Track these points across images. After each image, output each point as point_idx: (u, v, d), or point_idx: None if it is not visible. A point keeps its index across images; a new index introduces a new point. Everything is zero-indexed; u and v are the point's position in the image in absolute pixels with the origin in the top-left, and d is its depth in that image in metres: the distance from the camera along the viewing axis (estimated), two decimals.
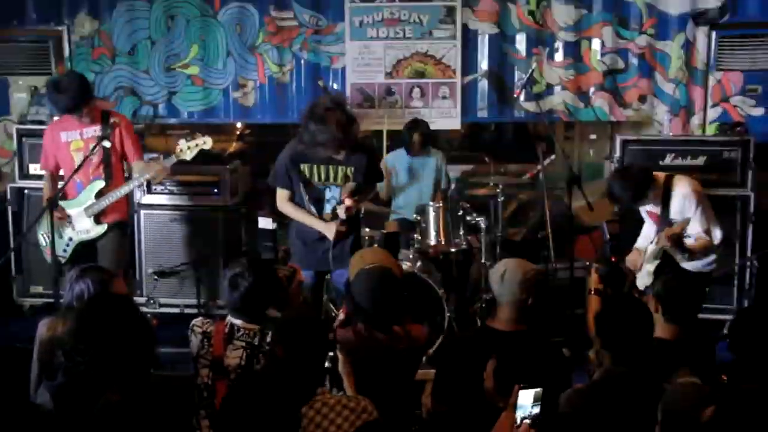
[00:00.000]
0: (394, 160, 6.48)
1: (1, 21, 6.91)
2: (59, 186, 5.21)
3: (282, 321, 3.21)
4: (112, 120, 5.13)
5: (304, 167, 4.71)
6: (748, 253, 5.83)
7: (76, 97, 4.99)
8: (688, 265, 4.86)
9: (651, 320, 3.22)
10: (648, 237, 5.11)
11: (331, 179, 4.71)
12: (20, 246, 6.26)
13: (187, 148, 5.08)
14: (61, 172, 5.37)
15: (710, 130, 6.45)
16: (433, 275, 5.65)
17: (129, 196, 5.49)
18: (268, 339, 3.43)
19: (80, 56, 6.94)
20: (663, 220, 4.86)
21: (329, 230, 4.74)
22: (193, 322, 3.60)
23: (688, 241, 4.76)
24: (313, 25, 6.85)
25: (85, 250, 5.26)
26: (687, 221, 4.69)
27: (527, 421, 2.54)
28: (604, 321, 3.14)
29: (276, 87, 6.96)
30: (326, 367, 3.11)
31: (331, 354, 3.18)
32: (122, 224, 5.35)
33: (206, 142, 5.10)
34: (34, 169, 6.41)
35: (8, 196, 6.44)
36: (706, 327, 3.59)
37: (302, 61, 6.91)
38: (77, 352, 2.53)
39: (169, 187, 6.22)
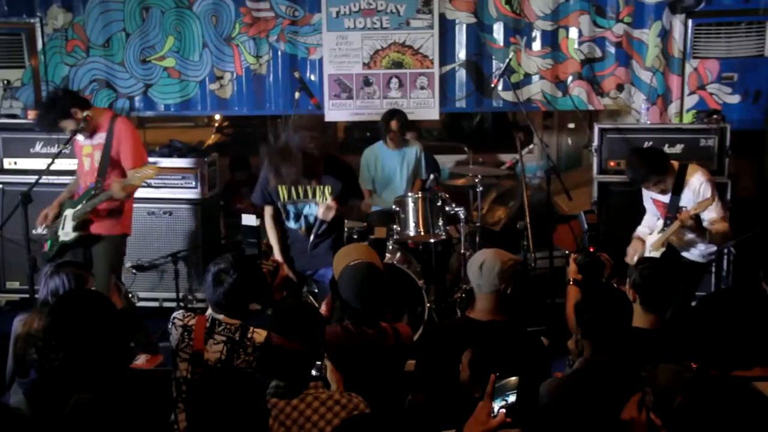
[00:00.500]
0: (373, 153, 6.47)
1: None
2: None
3: (281, 309, 3.19)
4: (85, 113, 5.06)
5: (282, 188, 4.70)
6: None
7: (46, 118, 5.06)
8: (690, 255, 4.92)
9: (631, 309, 3.23)
10: (650, 226, 5.14)
11: (310, 196, 4.71)
12: None
13: (137, 178, 5.01)
14: None
15: (687, 118, 6.47)
16: (413, 266, 5.64)
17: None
18: (249, 335, 3.41)
19: (54, 49, 6.85)
20: (672, 207, 4.91)
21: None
22: (174, 314, 3.57)
23: (705, 225, 4.83)
24: (289, 15, 6.80)
25: (72, 252, 5.16)
26: (708, 201, 4.73)
27: (503, 410, 2.53)
28: (584, 310, 3.14)
29: (253, 78, 6.90)
30: (314, 375, 3.09)
31: (318, 363, 3.17)
32: (109, 240, 5.19)
33: (154, 171, 5.06)
34: (8, 163, 6.37)
35: None
36: (685, 315, 3.60)
37: (279, 52, 6.86)
38: (49, 349, 2.50)
39: (146, 181, 6.12)
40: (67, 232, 5.15)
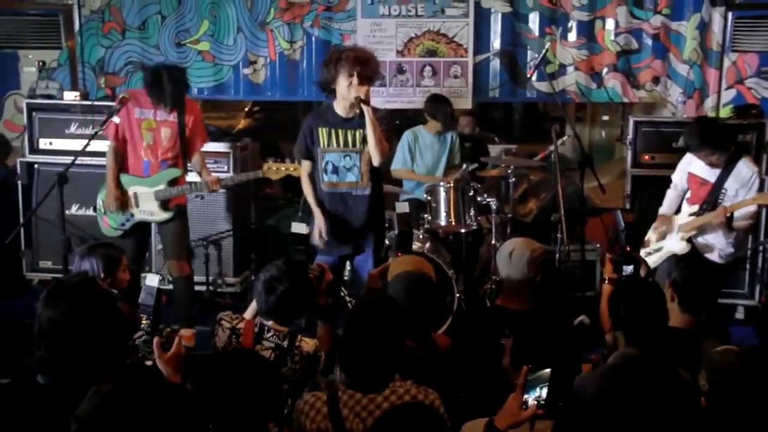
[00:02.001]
0: (414, 135, 6.39)
1: None
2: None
3: (364, 304, 3.15)
4: (121, 95, 5.15)
5: (322, 131, 4.65)
6: (761, 237, 5.80)
7: (176, 94, 5.10)
8: (710, 255, 4.86)
9: (664, 302, 3.20)
10: (673, 207, 5.10)
11: (350, 144, 4.65)
12: (30, 221, 6.26)
13: (276, 170, 5.10)
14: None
15: (724, 112, 6.38)
16: (443, 255, 5.63)
17: None
18: (297, 343, 3.41)
19: (90, 31, 6.89)
20: (715, 188, 4.85)
21: (318, 217, 4.73)
22: (221, 315, 3.56)
23: (736, 223, 4.79)
24: (324, 1, 6.79)
25: (140, 225, 5.34)
26: (752, 199, 4.72)
27: (535, 402, 2.53)
28: (618, 301, 3.12)
29: (287, 64, 6.90)
30: None
31: None
32: (182, 208, 5.41)
33: (296, 170, 5.08)
34: (44, 143, 6.42)
35: (18, 171, 6.44)
36: (719, 313, 3.57)
37: (313, 38, 6.85)
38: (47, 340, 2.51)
39: (199, 194, 6.05)
40: (151, 212, 5.24)
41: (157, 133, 5.19)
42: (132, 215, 5.27)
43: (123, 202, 5.23)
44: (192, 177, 5.52)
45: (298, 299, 3.49)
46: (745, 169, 4.86)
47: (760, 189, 5.36)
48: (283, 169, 5.08)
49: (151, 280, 3.27)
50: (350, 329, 2.98)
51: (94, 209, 5.50)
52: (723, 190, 4.87)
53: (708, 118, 5.26)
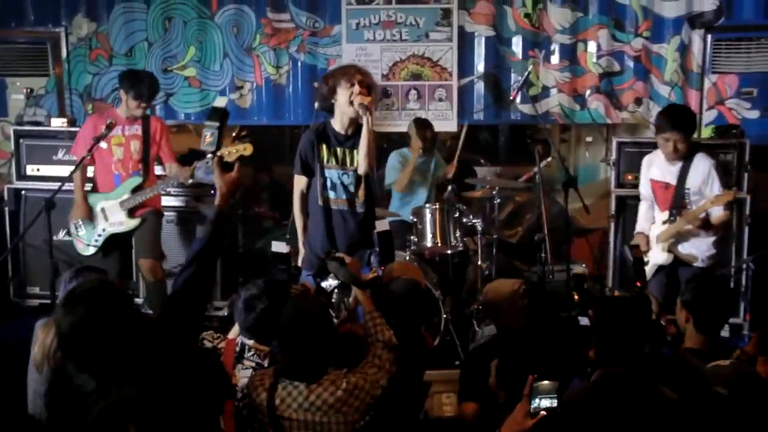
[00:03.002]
0: (400, 157, 6.44)
1: None
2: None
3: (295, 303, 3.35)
4: (109, 121, 5.25)
5: (323, 149, 4.68)
6: (745, 256, 5.85)
7: (153, 90, 5.52)
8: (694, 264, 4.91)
9: (646, 321, 3.23)
10: (649, 219, 5.14)
11: (348, 163, 4.68)
12: (17, 246, 6.26)
13: (228, 153, 5.20)
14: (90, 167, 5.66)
15: (706, 132, 6.46)
16: (429, 276, 5.65)
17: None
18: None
19: (78, 58, 6.94)
20: (678, 189, 4.90)
21: (300, 242, 4.80)
22: (203, 334, 3.56)
23: (712, 219, 4.84)
24: (310, 27, 6.87)
25: (117, 240, 5.52)
26: (723, 198, 4.74)
27: (543, 412, 2.57)
28: (600, 320, 3.15)
29: (273, 89, 6.96)
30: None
31: None
32: (156, 213, 5.64)
33: (246, 149, 5.19)
34: (31, 170, 6.45)
35: (5, 197, 6.46)
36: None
37: (299, 63, 6.92)
38: (68, 346, 2.48)
39: (166, 189, 6.09)
40: (120, 222, 5.45)
41: (127, 147, 5.46)
42: (104, 229, 5.45)
43: (88, 213, 5.46)
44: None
45: (278, 317, 3.51)
46: (702, 162, 4.90)
47: (741, 208, 5.47)
48: (234, 151, 5.17)
49: (220, 101, 3.61)
50: (284, 328, 3.22)
51: (68, 233, 5.65)
52: (686, 190, 4.91)
53: (680, 105, 5.46)
